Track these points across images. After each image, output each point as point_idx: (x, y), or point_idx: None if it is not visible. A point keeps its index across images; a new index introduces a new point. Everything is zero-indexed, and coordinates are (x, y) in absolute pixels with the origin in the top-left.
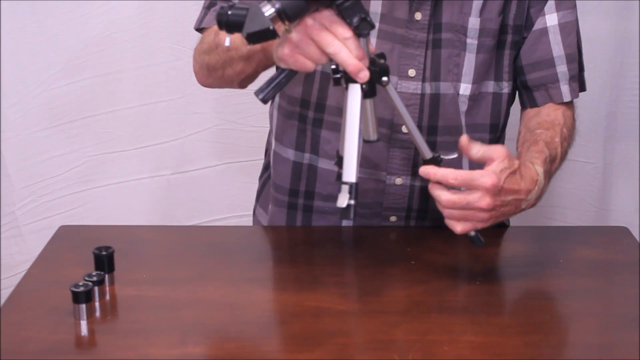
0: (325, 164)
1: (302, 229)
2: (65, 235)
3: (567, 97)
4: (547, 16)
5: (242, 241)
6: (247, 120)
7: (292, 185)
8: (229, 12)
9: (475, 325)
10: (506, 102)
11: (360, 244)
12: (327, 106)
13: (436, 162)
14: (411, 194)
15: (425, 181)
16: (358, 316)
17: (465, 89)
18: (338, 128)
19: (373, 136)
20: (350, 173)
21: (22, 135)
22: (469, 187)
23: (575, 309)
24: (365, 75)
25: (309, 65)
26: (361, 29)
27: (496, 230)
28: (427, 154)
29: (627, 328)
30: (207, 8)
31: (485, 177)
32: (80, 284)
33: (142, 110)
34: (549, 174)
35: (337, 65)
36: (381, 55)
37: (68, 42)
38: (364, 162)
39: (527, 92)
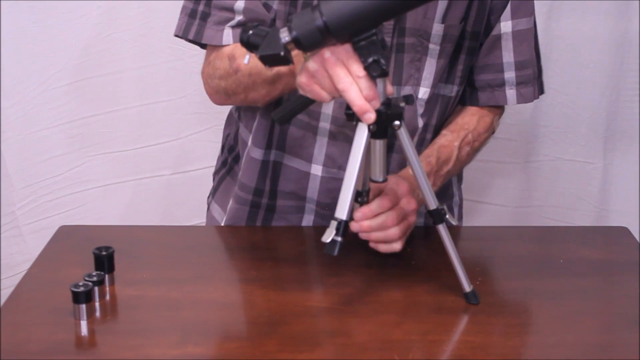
0: (290, 161)
1: (301, 229)
2: (65, 235)
3: (512, 102)
4: (502, 23)
5: (242, 241)
6: None
7: (258, 185)
8: (250, 32)
9: (475, 325)
10: (452, 104)
11: (360, 244)
12: None
13: (440, 214)
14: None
15: None
16: (358, 316)
17: (424, 93)
18: (305, 127)
19: (380, 177)
20: (342, 210)
21: (22, 135)
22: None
23: (575, 309)
24: (369, 117)
25: (324, 96)
26: (371, 70)
27: (496, 230)
28: (432, 204)
29: (627, 328)
30: (202, 19)
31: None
32: (80, 284)
33: (142, 110)
34: (435, 173)
35: None
36: (409, 98)
37: (68, 42)
38: (330, 162)
39: (472, 90)
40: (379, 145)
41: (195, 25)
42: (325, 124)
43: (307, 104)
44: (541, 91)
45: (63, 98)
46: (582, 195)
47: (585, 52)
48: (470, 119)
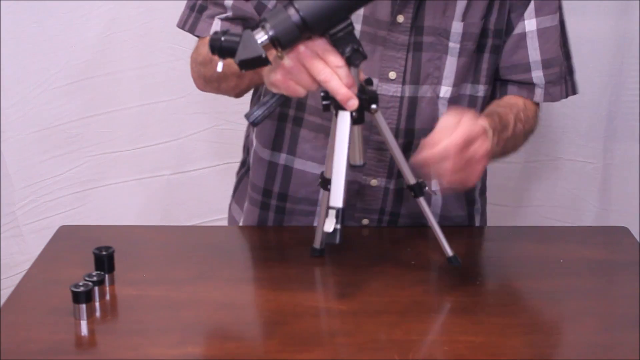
0: (301, 165)
1: (301, 229)
2: (65, 235)
3: (539, 99)
4: (526, 21)
5: (243, 241)
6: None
7: (267, 185)
8: (222, 38)
9: (475, 325)
10: (480, 105)
11: (359, 244)
12: (307, 105)
13: (420, 187)
14: (385, 196)
15: (400, 183)
16: (358, 316)
17: (445, 91)
18: (317, 128)
19: (359, 161)
20: (337, 198)
21: (22, 135)
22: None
23: (575, 309)
24: (354, 103)
25: (300, 91)
26: (353, 59)
27: (496, 229)
28: (411, 179)
29: (627, 328)
30: (199, 12)
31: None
32: (80, 284)
33: (142, 110)
34: (499, 133)
35: (326, 92)
36: (368, 81)
37: (68, 42)
38: None
39: (502, 85)
40: (356, 130)
41: (192, 18)
42: None
43: (280, 101)
44: (574, 91)
45: (63, 98)
46: (582, 195)
47: (585, 52)
48: (517, 100)
